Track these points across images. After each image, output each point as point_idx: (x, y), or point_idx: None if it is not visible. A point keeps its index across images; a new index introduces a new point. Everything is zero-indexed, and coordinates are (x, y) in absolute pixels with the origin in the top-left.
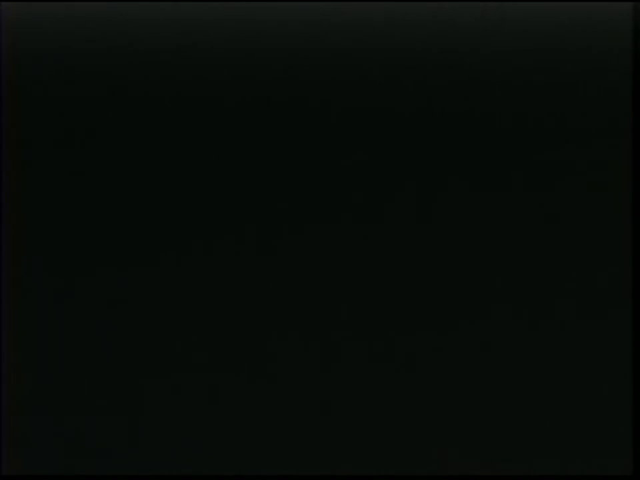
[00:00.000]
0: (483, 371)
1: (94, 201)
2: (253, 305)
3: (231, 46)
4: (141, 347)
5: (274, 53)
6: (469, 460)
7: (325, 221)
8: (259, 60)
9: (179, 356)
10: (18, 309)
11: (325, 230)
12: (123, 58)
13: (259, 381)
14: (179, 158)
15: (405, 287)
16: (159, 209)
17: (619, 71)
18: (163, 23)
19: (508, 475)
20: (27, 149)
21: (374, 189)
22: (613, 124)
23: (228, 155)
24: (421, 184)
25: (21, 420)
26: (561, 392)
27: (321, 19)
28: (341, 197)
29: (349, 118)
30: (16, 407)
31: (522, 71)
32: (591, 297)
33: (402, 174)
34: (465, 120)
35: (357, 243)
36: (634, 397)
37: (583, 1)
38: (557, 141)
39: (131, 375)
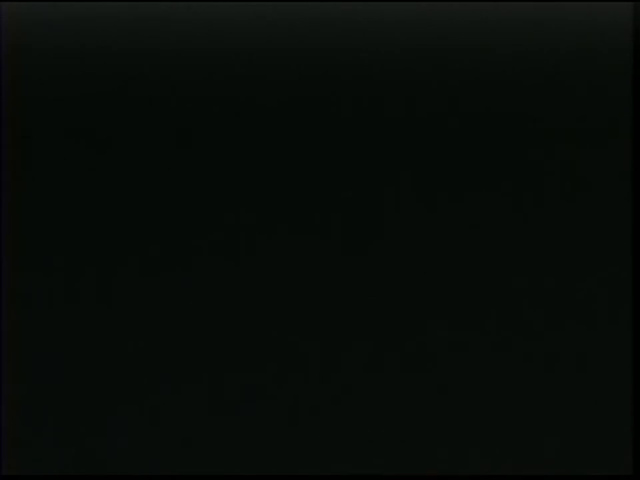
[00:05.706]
0: (483, 371)
1: (94, 200)
2: (253, 305)
3: (231, 46)
4: (142, 348)
5: (273, 52)
6: (469, 460)
7: (324, 221)
8: (259, 60)
9: (178, 356)
10: (18, 309)
11: (324, 230)
12: (123, 58)
13: (259, 380)
14: (179, 158)
15: (405, 286)
16: (158, 209)
17: (618, 71)
18: (163, 23)
19: (508, 475)
20: (27, 149)
21: (373, 188)
22: (613, 124)
23: (227, 154)
24: (420, 183)
25: (21, 420)
26: (561, 392)
27: (320, 18)
28: (340, 197)
29: (348, 118)
30: (16, 407)
31: (522, 70)
32: (591, 298)
33: (401, 173)
34: (463, 120)
35: (356, 243)
36: (634, 396)
37: (583, 1)
38: (556, 141)
39: (131, 375)
